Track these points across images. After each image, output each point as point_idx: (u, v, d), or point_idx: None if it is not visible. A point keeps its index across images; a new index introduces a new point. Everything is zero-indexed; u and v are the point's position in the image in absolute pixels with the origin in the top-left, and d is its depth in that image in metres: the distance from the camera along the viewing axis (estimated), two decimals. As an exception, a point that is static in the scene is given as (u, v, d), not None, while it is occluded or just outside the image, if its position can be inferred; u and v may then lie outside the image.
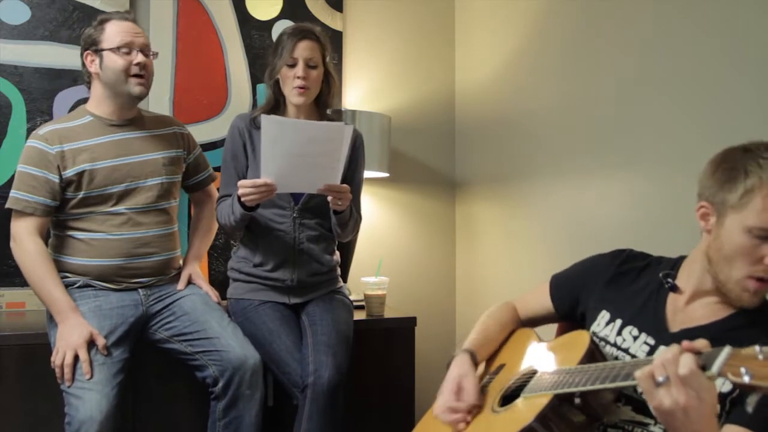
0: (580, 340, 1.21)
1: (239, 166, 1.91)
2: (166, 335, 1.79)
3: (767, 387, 0.79)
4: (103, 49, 1.74)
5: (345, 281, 2.23)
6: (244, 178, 1.90)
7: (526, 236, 2.35)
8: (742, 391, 0.84)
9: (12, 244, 1.72)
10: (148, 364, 1.86)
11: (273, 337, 1.79)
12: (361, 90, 2.67)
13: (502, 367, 1.34)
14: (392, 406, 2.13)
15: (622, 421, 1.15)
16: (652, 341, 1.17)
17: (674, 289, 1.18)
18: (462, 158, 2.81)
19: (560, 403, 1.08)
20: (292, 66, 1.84)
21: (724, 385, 1.04)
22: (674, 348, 0.91)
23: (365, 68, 2.68)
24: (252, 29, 2.48)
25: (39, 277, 1.69)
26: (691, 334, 1.11)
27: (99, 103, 1.80)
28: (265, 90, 1.97)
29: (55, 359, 1.61)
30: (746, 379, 0.80)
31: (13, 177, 1.78)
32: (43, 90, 2.19)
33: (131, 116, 1.84)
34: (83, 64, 1.79)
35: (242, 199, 1.72)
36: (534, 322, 1.44)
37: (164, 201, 1.85)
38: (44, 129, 1.75)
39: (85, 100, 1.86)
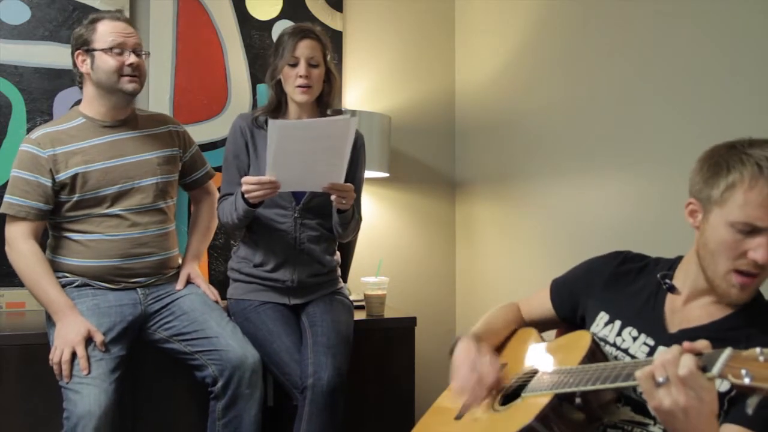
0: (581, 340, 1.21)
1: (241, 165, 1.91)
2: (165, 335, 1.79)
3: None
4: (94, 50, 1.73)
5: (345, 281, 2.23)
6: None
7: (526, 236, 2.35)
8: (742, 393, 0.83)
9: (6, 249, 1.73)
10: (148, 363, 1.86)
11: (273, 337, 1.79)
12: (361, 90, 2.67)
13: (503, 366, 1.34)
14: (392, 406, 2.13)
15: (621, 421, 1.15)
16: (651, 342, 1.17)
17: (672, 289, 1.18)
18: (462, 158, 2.81)
19: (560, 402, 1.08)
20: (294, 65, 1.84)
21: (722, 384, 1.04)
22: (675, 349, 0.91)
23: (365, 68, 2.68)
24: (252, 29, 2.48)
25: (35, 278, 1.69)
26: (689, 334, 1.11)
27: (91, 103, 1.80)
28: (266, 90, 1.97)
29: (53, 357, 1.61)
30: (747, 380, 0.80)
31: (13, 177, 1.78)
32: (43, 90, 2.19)
33: (125, 116, 1.84)
34: (74, 64, 1.78)
35: (246, 195, 1.72)
36: (537, 325, 1.44)
37: (161, 201, 1.85)
38: (37, 133, 1.74)
39: (80, 101, 1.85)
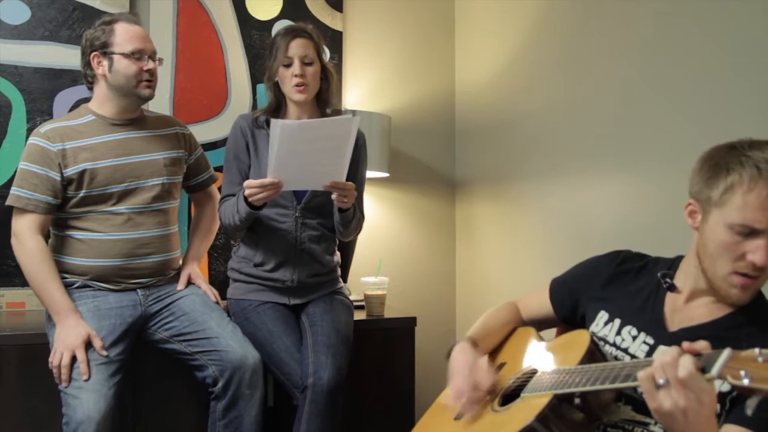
0: (580, 339, 1.21)
1: (242, 166, 1.91)
2: (166, 335, 1.79)
3: (767, 390, 0.79)
4: (113, 53, 1.74)
5: (345, 281, 2.23)
6: (247, 177, 1.90)
7: (526, 236, 2.35)
8: (741, 394, 0.83)
9: (13, 241, 1.72)
10: (148, 364, 1.86)
11: (273, 337, 1.79)
12: (361, 90, 2.67)
13: (502, 365, 1.34)
14: (392, 406, 2.13)
15: (622, 421, 1.15)
16: (651, 341, 1.17)
17: (672, 288, 1.18)
18: (462, 158, 2.81)
19: (560, 402, 1.08)
20: (288, 65, 1.85)
21: (723, 384, 1.04)
22: (674, 350, 0.91)
23: (365, 68, 2.68)
24: (252, 29, 2.48)
25: (40, 276, 1.69)
26: (689, 333, 1.11)
27: (102, 103, 1.80)
28: (266, 92, 1.97)
29: (53, 360, 1.61)
30: (746, 381, 0.80)
31: (13, 177, 1.78)
32: (43, 90, 2.19)
33: (134, 116, 1.84)
34: (88, 65, 1.77)
35: (249, 198, 1.72)
36: (536, 324, 1.44)
37: (164, 201, 1.85)
38: (46, 127, 1.74)
39: (85, 100, 1.85)
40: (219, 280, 2.34)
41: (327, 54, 2.36)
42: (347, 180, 1.76)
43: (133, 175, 1.79)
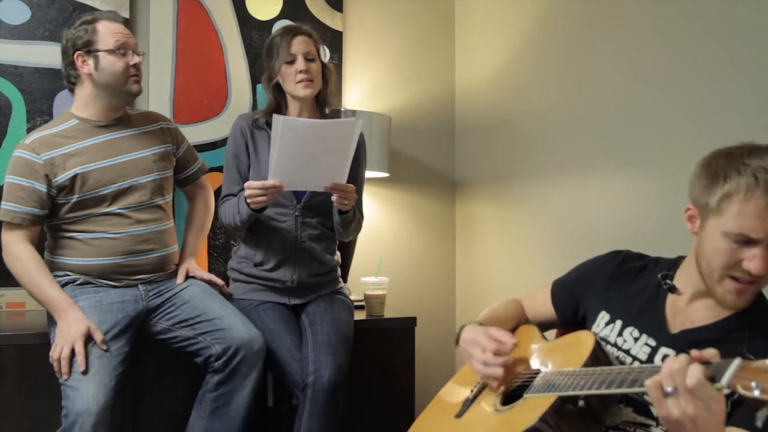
0: (584, 340, 1.20)
1: (241, 165, 1.91)
2: (167, 325, 1.79)
3: None
4: (98, 50, 1.73)
5: (345, 281, 2.23)
6: (247, 177, 1.90)
7: (526, 236, 2.35)
8: (751, 405, 0.83)
9: (3, 254, 1.74)
10: (149, 360, 1.86)
11: (273, 336, 1.79)
12: (361, 90, 2.67)
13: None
14: (392, 406, 2.13)
15: (623, 423, 1.15)
16: (653, 342, 1.17)
17: (673, 290, 1.18)
18: (462, 158, 2.81)
19: (564, 404, 1.08)
20: (292, 62, 1.85)
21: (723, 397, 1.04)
22: (682, 358, 0.90)
23: (365, 68, 2.68)
24: (252, 29, 2.48)
25: (33, 279, 1.69)
26: (690, 335, 1.11)
27: (86, 105, 1.79)
28: (264, 93, 1.97)
29: (53, 354, 1.61)
30: (756, 393, 0.79)
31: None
32: (43, 90, 2.19)
33: (118, 116, 1.84)
34: (71, 65, 1.77)
35: (249, 201, 1.72)
36: (539, 324, 1.44)
37: (158, 197, 1.86)
38: (30, 138, 1.74)
39: None
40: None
41: (326, 54, 2.36)
42: (347, 181, 1.76)
43: (124, 175, 1.78)
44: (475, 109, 2.71)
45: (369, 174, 2.33)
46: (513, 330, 1.43)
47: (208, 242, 2.36)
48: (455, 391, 1.38)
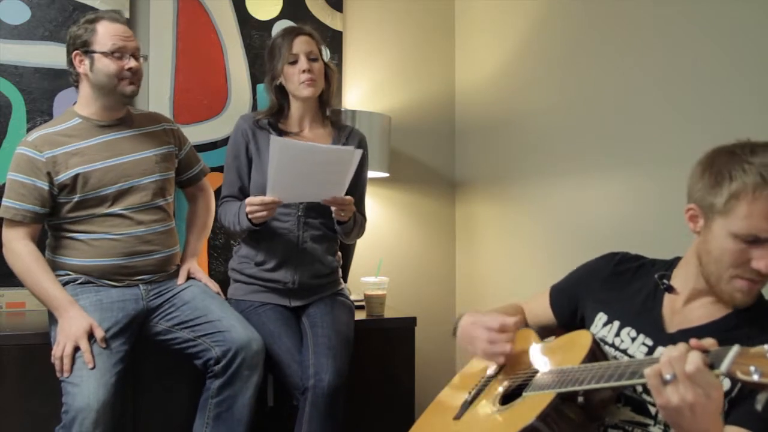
0: (582, 339, 1.21)
1: (241, 167, 1.92)
2: (167, 326, 1.79)
3: None
4: (94, 51, 1.73)
5: (345, 281, 2.23)
6: (247, 179, 1.91)
7: (526, 236, 2.35)
8: (749, 390, 0.84)
9: (3, 251, 1.74)
10: (149, 361, 1.86)
11: (273, 338, 1.79)
12: (361, 90, 2.67)
13: (503, 366, 1.34)
14: (392, 406, 2.13)
15: (621, 422, 1.15)
16: (650, 342, 1.17)
17: (670, 290, 1.18)
18: (462, 158, 2.81)
19: (563, 401, 1.08)
20: (294, 62, 1.85)
21: (723, 384, 1.04)
22: (681, 346, 0.91)
23: (365, 68, 2.68)
24: (252, 29, 2.48)
25: (34, 277, 1.69)
26: (688, 335, 1.11)
27: (88, 104, 1.79)
28: (267, 94, 1.97)
29: (56, 352, 1.61)
30: (755, 377, 0.80)
31: (12, 177, 1.77)
32: (43, 90, 2.19)
33: (120, 116, 1.84)
34: (71, 64, 1.77)
35: (250, 216, 1.73)
36: (539, 330, 1.44)
37: (160, 198, 1.86)
38: (33, 135, 1.74)
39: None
40: (219, 280, 2.30)
41: (327, 54, 2.36)
42: (351, 183, 1.77)
43: (125, 175, 1.78)
44: (475, 109, 2.71)
45: (369, 174, 2.33)
46: None
47: (208, 242, 2.37)
48: (453, 395, 1.38)
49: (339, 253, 2.05)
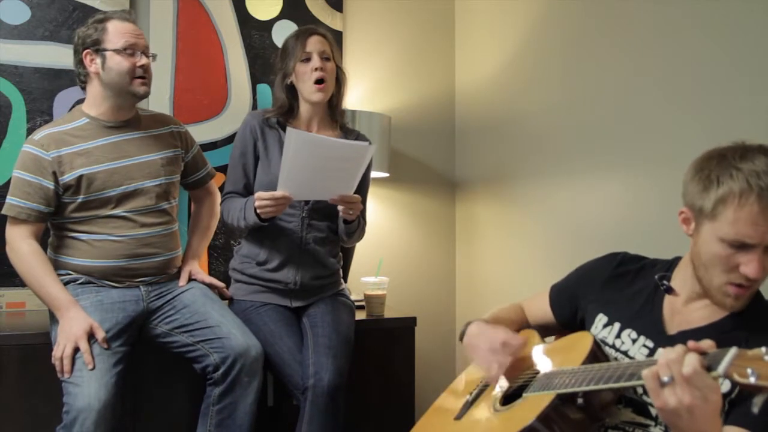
0: (582, 341, 1.21)
1: (247, 164, 1.91)
2: (167, 329, 1.79)
3: None
4: (105, 50, 1.73)
5: (345, 281, 2.23)
6: (252, 176, 1.91)
7: (526, 236, 2.35)
8: (748, 393, 0.84)
9: (7, 249, 1.73)
10: (149, 361, 1.86)
11: (274, 338, 1.79)
12: (361, 90, 2.67)
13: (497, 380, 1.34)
14: (392, 406, 2.13)
15: (622, 423, 1.15)
16: (650, 344, 1.17)
17: (670, 291, 1.19)
18: (462, 158, 2.81)
19: (562, 402, 1.08)
20: (307, 60, 1.85)
21: (722, 385, 1.04)
22: (679, 348, 0.91)
23: (365, 68, 2.68)
24: (252, 29, 2.48)
25: (36, 276, 1.69)
26: (688, 336, 1.11)
27: (96, 103, 1.79)
28: (267, 90, 1.97)
29: (56, 353, 1.61)
30: (752, 379, 0.80)
31: (13, 177, 1.78)
32: (43, 90, 2.19)
33: (128, 117, 1.83)
34: (80, 64, 1.77)
35: (259, 211, 1.72)
36: (540, 329, 1.44)
37: (164, 201, 1.85)
38: (40, 134, 1.73)
39: (83, 101, 1.85)
40: (219, 280, 2.33)
41: (341, 59, 2.35)
42: (354, 190, 1.77)
43: (130, 178, 1.78)
44: (475, 109, 2.71)
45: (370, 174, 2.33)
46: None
47: (208, 242, 2.37)
48: (454, 396, 1.39)
49: (340, 254, 2.05)
